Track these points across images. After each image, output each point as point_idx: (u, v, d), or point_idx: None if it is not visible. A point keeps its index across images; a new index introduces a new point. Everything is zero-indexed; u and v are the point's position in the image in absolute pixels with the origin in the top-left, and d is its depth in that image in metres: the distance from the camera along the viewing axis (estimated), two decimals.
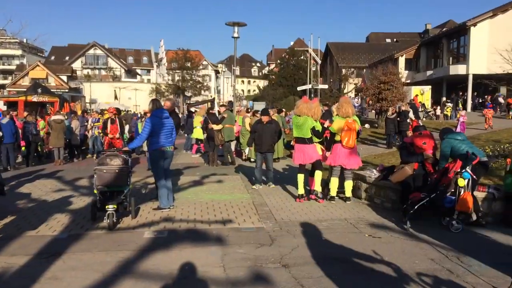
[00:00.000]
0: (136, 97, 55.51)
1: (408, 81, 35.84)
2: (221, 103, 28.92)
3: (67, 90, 42.50)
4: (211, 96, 63.64)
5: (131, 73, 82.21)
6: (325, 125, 8.41)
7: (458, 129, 17.49)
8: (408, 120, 16.86)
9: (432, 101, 33.19)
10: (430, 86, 31.89)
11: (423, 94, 30.76)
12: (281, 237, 6.06)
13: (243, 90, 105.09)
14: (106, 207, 6.39)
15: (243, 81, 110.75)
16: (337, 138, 8.18)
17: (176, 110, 13.79)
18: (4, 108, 28.05)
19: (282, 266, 4.92)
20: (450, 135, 7.11)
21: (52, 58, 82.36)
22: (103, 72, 78.05)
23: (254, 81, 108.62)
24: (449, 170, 6.47)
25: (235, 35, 18.45)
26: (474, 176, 6.42)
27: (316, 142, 8.46)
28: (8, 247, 5.59)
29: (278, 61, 65.13)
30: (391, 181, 7.58)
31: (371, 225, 6.73)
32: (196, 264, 4.96)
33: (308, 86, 38.56)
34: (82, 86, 58.41)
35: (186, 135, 19.16)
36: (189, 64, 62.27)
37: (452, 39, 35.05)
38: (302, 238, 5.99)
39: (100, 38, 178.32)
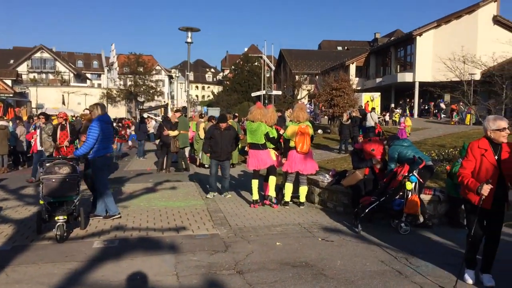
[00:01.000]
0: (86, 102, 53.73)
1: (359, 88, 36.92)
2: (175, 109, 28.56)
3: (11, 95, 40.58)
4: (164, 101, 62.89)
5: (80, 77, 79.62)
6: (281, 132, 8.48)
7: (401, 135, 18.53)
8: (373, 124, 17.57)
9: (383, 108, 34.33)
10: (379, 93, 32.97)
11: (373, 101, 31.75)
12: (235, 243, 6.04)
13: (197, 96, 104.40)
14: (56, 218, 6.08)
15: (197, 87, 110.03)
16: (292, 144, 8.25)
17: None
18: None
19: (236, 273, 4.90)
20: (397, 141, 7.41)
21: None
22: (51, 76, 75.07)
23: (209, 87, 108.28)
24: (397, 174, 6.71)
25: (189, 40, 18.35)
26: (421, 180, 6.71)
27: (270, 148, 8.52)
28: None
29: (233, 67, 65.43)
30: (343, 185, 7.75)
31: (324, 229, 6.84)
32: (148, 273, 4.84)
33: (262, 92, 38.91)
34: (28, 91, 55.93)
35: (138, 141, 18.74)
36: (141, 69, 61.35)
37: (400, 47, 36.46)
38: (256, 244, 6.00)
39: (47, 41, 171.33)
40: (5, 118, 18.51)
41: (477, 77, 18.38)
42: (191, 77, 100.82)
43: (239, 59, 66.03)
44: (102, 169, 7.31)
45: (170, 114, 16.93)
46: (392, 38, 48.86)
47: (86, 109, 22.66)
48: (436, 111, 32.27)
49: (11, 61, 77.25)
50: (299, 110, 8.35)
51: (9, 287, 4.48)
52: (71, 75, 77.26)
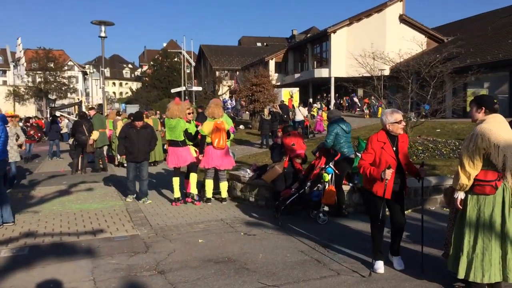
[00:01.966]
0: None
1: (278, 84, 37.70)
2: (89, 106, 27.24)
3: None
4: (78, 98, 59.82)
5: None
6: (199, 128, 8.39)
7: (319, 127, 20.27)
8: (303, 118, 18.29)
9: (301, 103, 35.36)
10: (298, 88, 33.83)
11: (292, 96, 32.61)
12: (156, 243, 5.90)
13: (114, 93, 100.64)
14: None
15: (114, 83, 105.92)
16: (208, 140, 8.20)
17: None
18: None
19: (157, 273, 4.78)
20: (339, 121, 7.44)
21: None
22: None
23: (127, 83, 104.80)
24: (315, 167, 6.95)
25: (102, 34, 17.60)
26: (337, 171, 6.99)
27: (190, 145, 8.42)
28: None
29: (151, 62, 63.99)
30: (264, 179, 7.86)
31: (246, 223, 6.90)
32: (63, 280, 4.58)
33: (182, 88, 38.41)
34: None
35: (50, 141, 17.62)
36: (52, 65, 57.84)
37: (316, 44, 37.71)
38: (178, 242, 5.90)
39: None
40: None
41: (387, 72, 19.46)
42: (107, 73, 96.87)
43: (158, 54, 64.62)
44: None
45: (84, 111, 16.08)
46: (309, 35, 50.50)
47: None
48: (347, 105, 33.96)
49: None
50: (214, 106, 8.31)
51: None
52: None
